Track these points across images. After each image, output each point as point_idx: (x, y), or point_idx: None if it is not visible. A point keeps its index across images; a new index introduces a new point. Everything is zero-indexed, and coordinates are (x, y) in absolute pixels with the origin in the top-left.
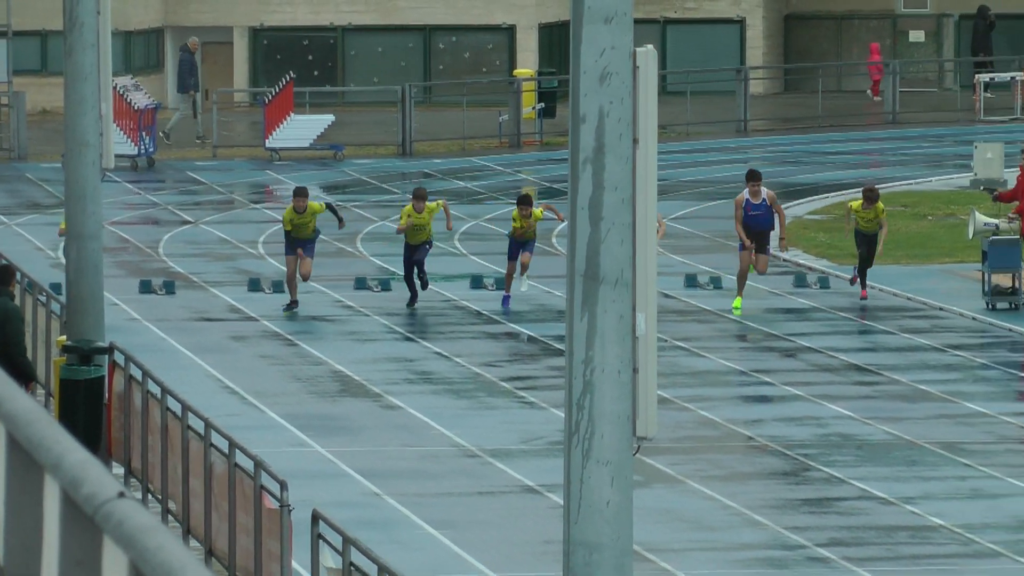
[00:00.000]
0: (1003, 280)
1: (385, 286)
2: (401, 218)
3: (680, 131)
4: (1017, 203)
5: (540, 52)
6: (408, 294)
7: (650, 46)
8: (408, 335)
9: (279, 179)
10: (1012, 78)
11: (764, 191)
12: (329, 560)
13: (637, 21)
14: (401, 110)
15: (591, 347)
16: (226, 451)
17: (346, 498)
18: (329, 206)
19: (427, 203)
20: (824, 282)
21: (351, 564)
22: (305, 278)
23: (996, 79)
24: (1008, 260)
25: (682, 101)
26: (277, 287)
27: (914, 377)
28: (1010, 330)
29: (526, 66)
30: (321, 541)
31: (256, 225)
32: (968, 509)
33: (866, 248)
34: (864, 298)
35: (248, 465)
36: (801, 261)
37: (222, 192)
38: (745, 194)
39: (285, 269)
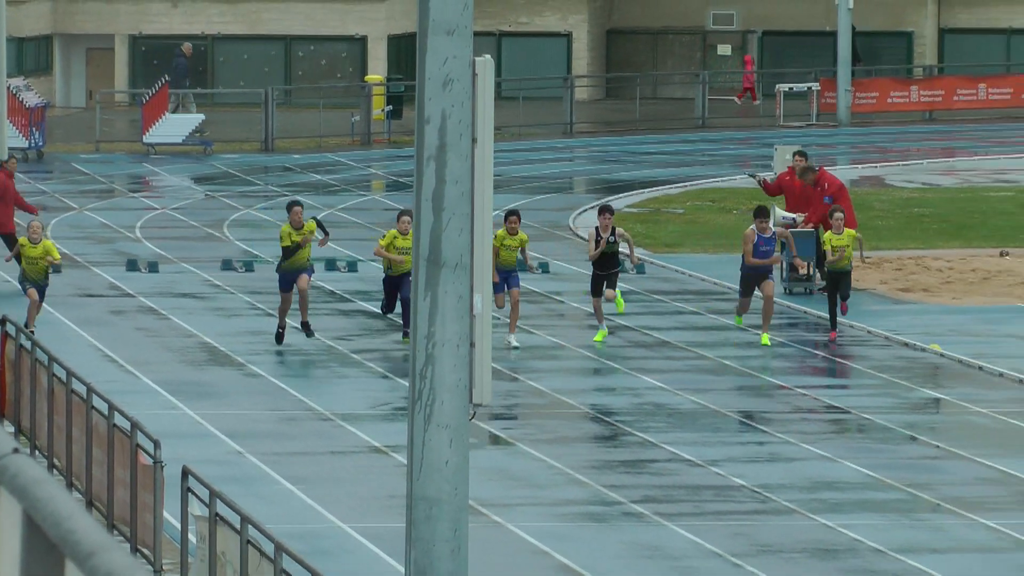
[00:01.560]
0: (800, 267)
1: (248, 267)
2: (387, 245)
3: (513, 132)
4: (783, 196)
5: (389, 60)
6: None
7: (487, 56)
8: (269, 312)
9: (155, 171)
10: (808, 88)
11: (774, 227)
12: (197, 510)
13: (476, 34)
14: (264, 110)
15: (433, 324)
16: (106, 413)
17: (213, 456)
18: (319, 223)
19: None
20: (640, 268)
21: (216, 515)
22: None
23: (794, 88)
24: (804, 250)
25: (515, 105)
26: (152, 267)
27: (719, 353)
28: (805, 312)
29: (376, 72)
30: (190, 494)
31: (134, 212)
32: (766, 471)
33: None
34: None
35: (125, 425)
36: (621, 249)
37: (104, 182)
38: (754, 229)
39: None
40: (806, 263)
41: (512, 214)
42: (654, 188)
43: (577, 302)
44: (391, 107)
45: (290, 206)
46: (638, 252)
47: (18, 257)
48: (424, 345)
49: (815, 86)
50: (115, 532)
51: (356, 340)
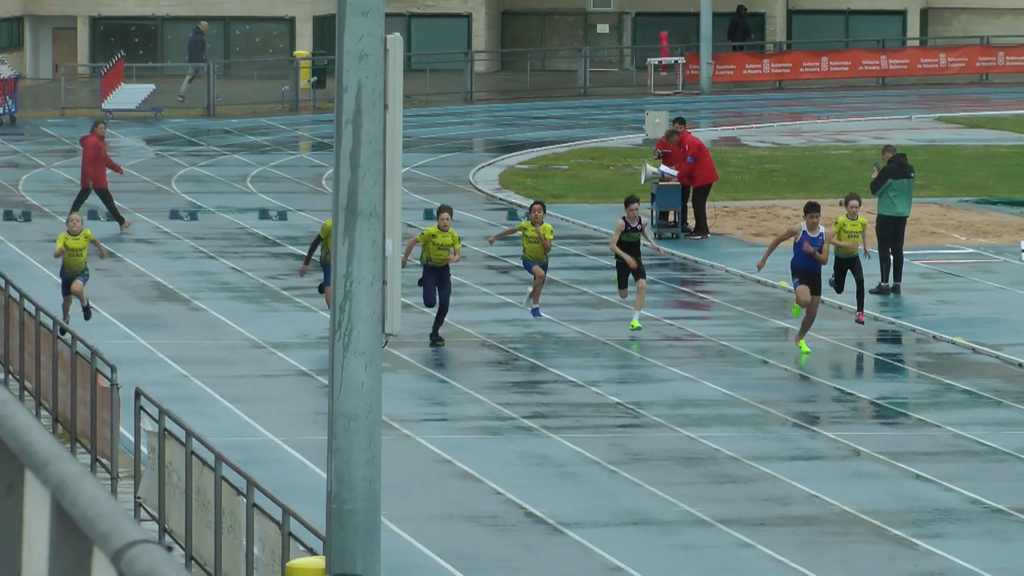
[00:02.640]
0: (667, 216)
1: (193, 216)
2: (426, 242)
3: (420, 100)
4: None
5: (314, 38)
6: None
7: (397, 34)
8: (210, 255)
9: (113, 134)
10: (675, 61)
11: (822, 228)
12: (148, 426)
13: (388, 15)
14: (207, 81)
15: (351, 264)
16: (70, 342)
17: (162, 379)
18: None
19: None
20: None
21: (165, 430)
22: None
23: (664, 62)
24: (671, 201)
25: (423, 76)
26: (108, 216)
27: (597, 290)
28: (672, 254)
29: (303, 48)
30: (142, 412)
31: None
32: (637, 390)
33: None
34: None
35: (86, 353)
36: (513, 200)
37: (68, 143)
38: (802, 225)
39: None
40: (672, 211)
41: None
42: (543, 148)
43: (477, 246)
44: (316, 78)
45: (439, 212)
46: (528, 201)
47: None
48: (343, 283)
49: (681, 60)
50: (78, 445)
51: (285, 279)
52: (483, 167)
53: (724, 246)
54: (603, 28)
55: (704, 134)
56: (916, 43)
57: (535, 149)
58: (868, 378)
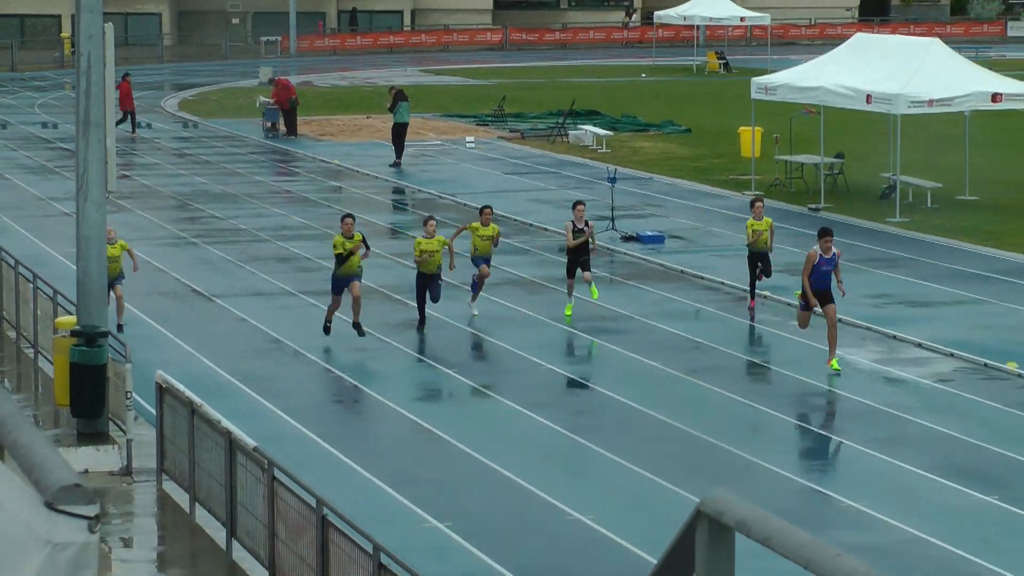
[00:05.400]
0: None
1: (3, 126)
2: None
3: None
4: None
5: (72, 26)
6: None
7: (111, 23)
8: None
9: None
10: (277, 39)
11: (835, 251)
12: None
13: (106, 12)
14: (11, 49)
15: (87, 151)
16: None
17: None
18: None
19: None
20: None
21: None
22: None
23: (270, 39)
24: (273, 116)
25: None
26: None
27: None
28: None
29: (66, 31)
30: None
31: None
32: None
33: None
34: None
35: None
36: (188, 116)
37: None
38: (817, 250)
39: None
40: (272, 123)
41: (486, 207)
42: (202, 87)
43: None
44: (73, 49)
45: (343, 218)
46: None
47: None
48: (83, 161)
49: (278, 38)
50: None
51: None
52: (168, 98)
53: (300, 145)
54: (236, 21)
55: (297, 78)
56: (410, 28)
57: (197, 88)
58: None
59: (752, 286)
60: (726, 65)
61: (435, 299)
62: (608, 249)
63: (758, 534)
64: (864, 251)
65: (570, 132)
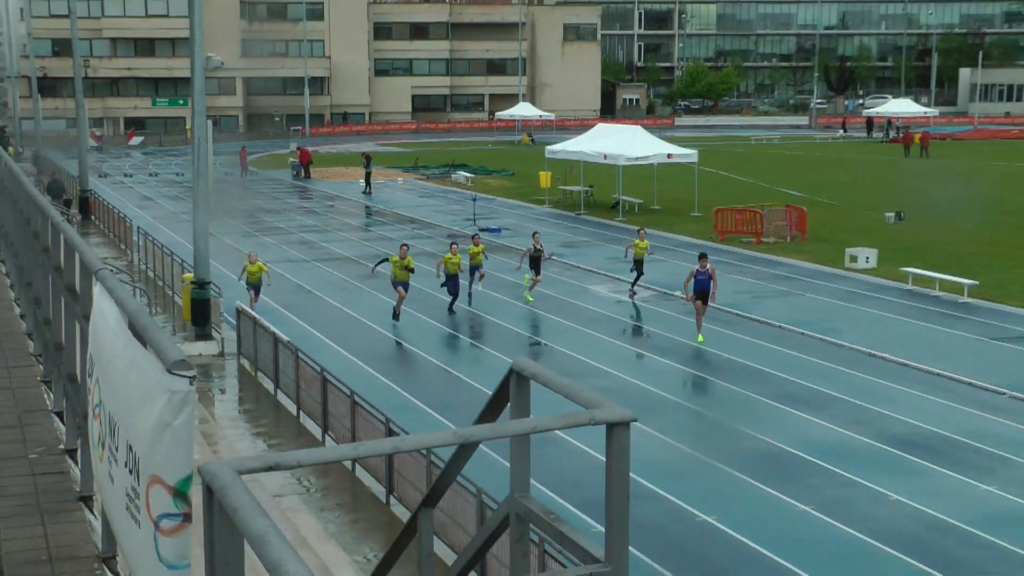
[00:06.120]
0: None
1: None
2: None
3: None
4: None
5: None
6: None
7: (209, 121)
8: None
9: None
10: None
11: (709, 267)
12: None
13: (208, 116)
14: None
15: (196, 189)
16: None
17: None
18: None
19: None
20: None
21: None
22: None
23: None
24: (296, 168)
25: None
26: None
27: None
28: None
29: None
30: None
31: None
32: None
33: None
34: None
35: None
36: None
37: None
38: (696, 266)
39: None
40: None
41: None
42: (260, 154)
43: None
44: None
45: (401, 247)
46: None
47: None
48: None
49: None
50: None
51: None
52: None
53: (315, 182)
54: (277, 118)
55: (309, 148)
56: (368, 122)
57: (258, 154)
58: None
59: (635, 281)
60: (532, 140)
61: (456, 292)
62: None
63: (545, 380)
64: (603, 235)
65: (452, 175)
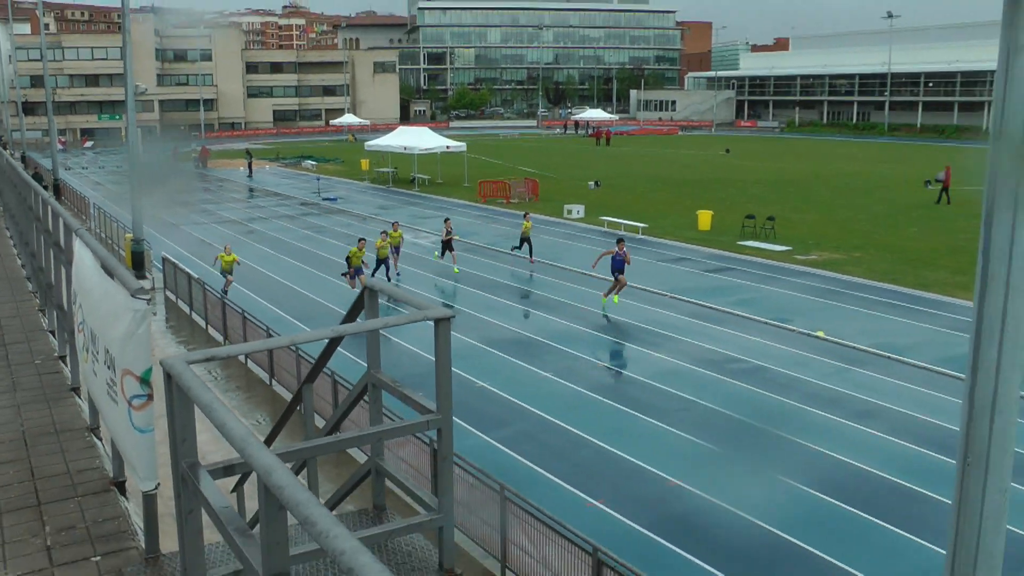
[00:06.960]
0: None
1: None
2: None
3: None
4: None
5: None
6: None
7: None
8: None
9: None
10: None
11: (624, 250)
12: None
13: None
14: None
15: None
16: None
17: None
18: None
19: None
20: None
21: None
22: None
23: None
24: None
25: None
26: None
27: None
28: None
29: None
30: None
31: None
32: None
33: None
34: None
35: None
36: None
37: None
38: (615, 248)
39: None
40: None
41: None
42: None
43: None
44: None
45: (359, 240)
46: None
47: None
48: None
49: None
50: None
51: None
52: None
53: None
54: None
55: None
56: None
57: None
58: None
59: (529, 253)
60: (355, 139)
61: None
62: (318, 204)
63: (389, 292)
64: (402, 201)
65: (302, 163)
